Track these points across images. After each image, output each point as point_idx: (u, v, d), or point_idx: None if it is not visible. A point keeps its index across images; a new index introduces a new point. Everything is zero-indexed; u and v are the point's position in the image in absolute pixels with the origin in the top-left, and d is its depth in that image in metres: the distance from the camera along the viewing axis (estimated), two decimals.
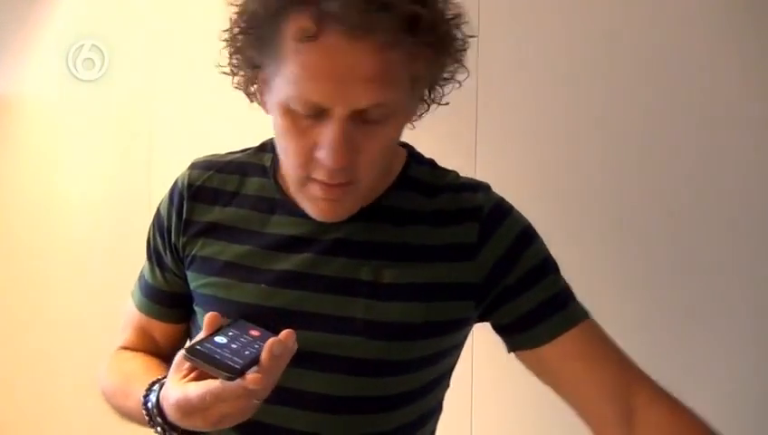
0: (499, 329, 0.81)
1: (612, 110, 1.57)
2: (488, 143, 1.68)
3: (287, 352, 0.64)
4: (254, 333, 0.69)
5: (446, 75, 0.74)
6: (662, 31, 1.52)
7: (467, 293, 0.77)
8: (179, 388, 0.64)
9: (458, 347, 0.83)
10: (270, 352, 0.62)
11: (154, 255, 0.88)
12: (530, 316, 0.77)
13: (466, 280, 0.77)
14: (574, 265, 0.89)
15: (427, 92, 0.75)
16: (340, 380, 0.74)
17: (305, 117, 0.67)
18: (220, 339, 0.66)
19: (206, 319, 0.68)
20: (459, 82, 0.76)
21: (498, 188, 0.85)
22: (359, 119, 0.67)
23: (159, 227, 0.86)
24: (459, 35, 0.71)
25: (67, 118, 2.34)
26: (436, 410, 0.85)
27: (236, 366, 0.63)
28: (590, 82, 1.59)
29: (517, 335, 0.79)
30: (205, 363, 0.64)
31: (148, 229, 0.90)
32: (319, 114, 0.67)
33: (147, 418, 0.72)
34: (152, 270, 0.88)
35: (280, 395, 0.69)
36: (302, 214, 0.77)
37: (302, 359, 0.69)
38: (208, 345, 0.65)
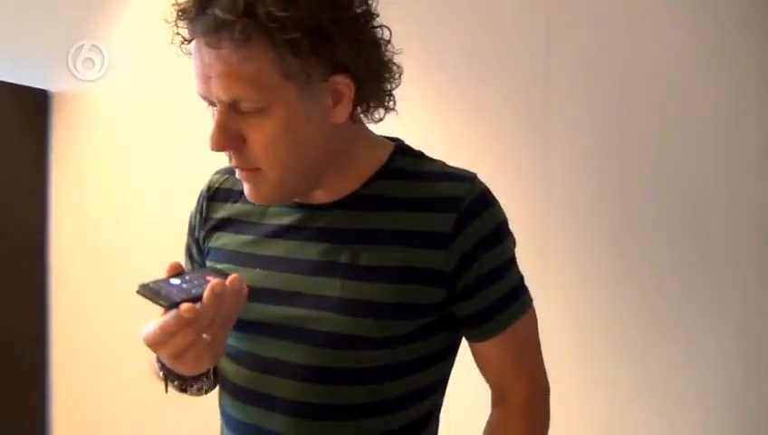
0: (456, 320, 0.87)
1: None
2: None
3: (230, 294, 0.72)
4: (209, 278, 0.75)
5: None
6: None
7: (439, 280, 0.82)
8: (147, 324, 0.73)
9: (443, 350, 0.89)
10: (211, 290, 0.70)
11: (187, 251, 1.01)
12: (484, 313, 0.86)
13: (439, 268, 0.81)
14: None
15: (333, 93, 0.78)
16: (318, 352, 0.82)
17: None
18: (175, 280, 0.75)
19: (168, 266, 0.76)
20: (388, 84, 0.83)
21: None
22: (235, 110, 0.75)
23: (189, 227, 1.00)
24: (320, 36, 0.72)
25: (147, 113, 2.40)
26: (428, 416, 0.90)
27: (175, 299, 0.71)
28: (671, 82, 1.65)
29: (471, 328, 0.88)
30: (150, 296, 0.72)
31: None
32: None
33: (156, 365, 0.85)
34: (185, 264, 1.02)
35: (268, 365, 0.83)
36: (292, 205, 0.87)
37: (286, 332, 0.82)
38: (161, 283, 0.74)
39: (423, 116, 1.93)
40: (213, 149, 0.77)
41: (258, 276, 0.85)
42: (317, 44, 0.72)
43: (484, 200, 0.84)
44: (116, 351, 2.39)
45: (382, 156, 0.87)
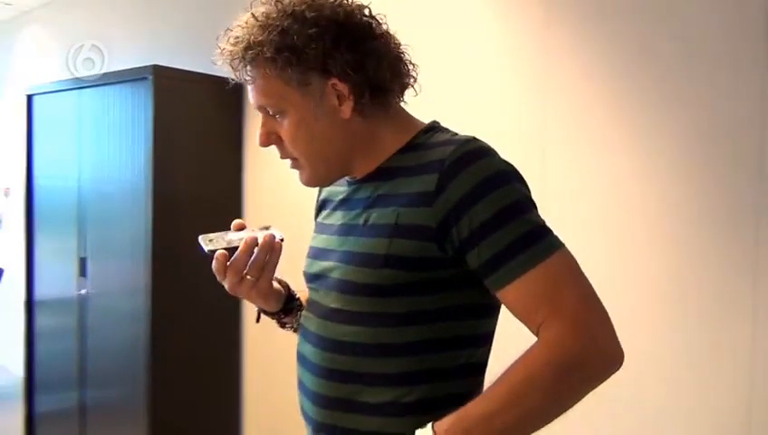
0: (473, 274, 0.92)
1: None
2: None
3: (262, 247, 0.98)
4: (250, 235, 0.99)
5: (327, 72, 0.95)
6: None
7: (427, 235, 0.91)
8: None
9: (468, 306, 0.95)
10: (245, 243, 0.98)
11: None
12: (490, 263, 0.88)
13: (426, 223, 0.91)
14: None
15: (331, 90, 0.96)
16: (332, 295, 1.00)
17: None
18: (233, 235, 1.00)
19: (233, 222, 1.03)
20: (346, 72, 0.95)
21: None
22: (270, 116, 0.99)
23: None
24: (287, 46, 0.92)
25: None
26: (461, 369, 0.96)
27: (215, 247, 0.97)
28: None
29: (484, 280, 0.90)
30: (201, 242, 0.98)
31: None
32: None
33: None
34: None
35: (311, 305, 1.05)
36: (346, 183, 1.06)
37: (321, 280, 1.03)
38: (219, 234, 1.00)
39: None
40: (260, 145, 1.01)
41: (320, 240, 1.07)
42: (291, 59, 0.92)
43: (467, 158, 0.90)
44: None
45: (407, 136, 1.01)
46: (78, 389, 3.02)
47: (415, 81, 1.03)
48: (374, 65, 0.96)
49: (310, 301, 1.07)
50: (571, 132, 1.95)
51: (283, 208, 2.74)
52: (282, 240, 1.00)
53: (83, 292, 2.97)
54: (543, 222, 0.91)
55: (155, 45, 3.55)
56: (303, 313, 1.09)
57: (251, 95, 0.99)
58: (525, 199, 0.92)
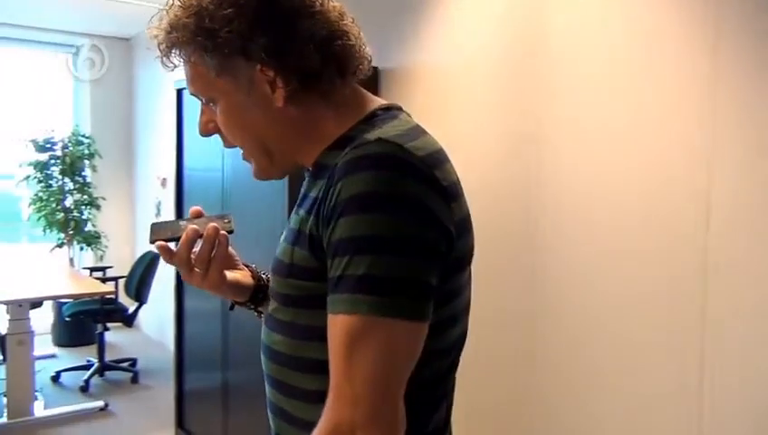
0: None
1: None
2: None
3: (206, 240, 0.93)
4: (210, 223, 0.94)
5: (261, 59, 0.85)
6: None
7: (308, 243, 0.84)
8: None
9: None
10: (186, 234, 0.92)
11: None
12: (330, 281, 0.79)
13: (311, 231, 0.83)
14: None
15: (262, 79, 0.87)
16: (269, 300, 0.96)
17: None
18: (183, 222, 0.95)
19: (191, 209, 0.98)
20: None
21: None
22: (203, 102, 0.93)
23: None
24: (205, 32, 0.84)
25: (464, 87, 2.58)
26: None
27: (157, 237, 0.94)
28: None
29: None
30: (151, 229, 0.96)
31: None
32: None
33: None
34: None
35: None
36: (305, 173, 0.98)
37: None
38: (170, 222, 0.97)
39: None
40: (200, 134, 0.96)
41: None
42: (205, 44, 0.84)
43: (351, 165, 0.78)
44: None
45: (345, 127, 0.90)
46: (222, 369, 3.16)
47: (363, 62, 0.91)
48: (298, 48, 0.85)
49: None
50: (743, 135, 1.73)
51: None
52: (230, 232, 0.95)
53: None
54: (406, 277, 0.75)
55: None
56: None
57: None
58: (393, 239, 0.75)
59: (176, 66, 0.90)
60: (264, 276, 1.10)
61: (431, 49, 2.80)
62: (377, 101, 0.94)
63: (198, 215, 0.97)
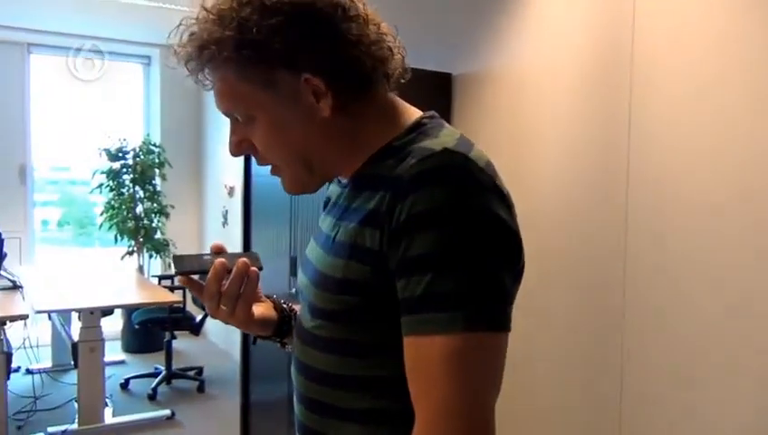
0: None
1: None
2: None
3: (235, 275, 0.90)
4: (219, 259, 0.90)
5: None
6: None
7: (369, 258, 0.79)
8: None
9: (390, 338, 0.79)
10: (213, 268, 0.89)
11: None
12: (404, 302, 0.75)
13: (371, 246, 0.79)
14: None
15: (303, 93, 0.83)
16: (308, 317, 0.90)
17: None
18: (207, 256, 0.92)
19: (212, 245, 0.95)
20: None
21: None
22: (238, 122, 0.87)
23: None
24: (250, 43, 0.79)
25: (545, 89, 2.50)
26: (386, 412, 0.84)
27: (184, 268, 0.91)
28: None
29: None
30: (173, 262, 0.92)
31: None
32: None
33: None
34: None
35: (296, 324, 0.96)
36: (338, 182, 0.97)
37: (301, 297, 0.94)
38: (193, 256, 0.93)
39: None
40: (231, 154, 0.91)
41: (309, 246, 0.97)
42: (253, 57, 0.79)
43: (422, 178, 0.74)
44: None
45: (389, 135, 0.86)
46: (288, 381, 3.08)
47: (404, 69, 0.89)
48: (347, 54, 0.82)
49: (297, 317, 0.97)
50: None
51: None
52: (260, 269, 0.92)
53: (293, 290, 3.03)
54: (498, 287, 0.74)
55: None
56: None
57: (215, 100, 0.87)
58: (475, 252, 0.73)
59: (210, 84, 0.85)
60: (286, 307, 1.08)
61: (509, 53, 2.67)
62: (414, 110, 0.91)
63: (220, 250, 0.94)
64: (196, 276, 0.92)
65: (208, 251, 0.94)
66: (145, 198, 5.58)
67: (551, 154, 2.44)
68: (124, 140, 5.50)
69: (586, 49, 2.29)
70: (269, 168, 0.92)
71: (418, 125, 0.86)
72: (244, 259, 0.90)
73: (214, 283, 0.90)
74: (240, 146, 0.89)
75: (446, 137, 0.81)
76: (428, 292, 0.73)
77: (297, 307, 1.03)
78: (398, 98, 0.91)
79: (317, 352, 0.87)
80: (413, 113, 0.89)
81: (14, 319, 3.46)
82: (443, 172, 0.74)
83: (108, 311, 4.31)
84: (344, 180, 0.92)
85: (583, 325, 2.26)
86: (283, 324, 1.06)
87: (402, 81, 0.89)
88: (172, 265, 0.97)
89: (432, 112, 0.90)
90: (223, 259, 0.90)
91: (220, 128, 5.74)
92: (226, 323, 0.96)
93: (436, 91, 2.97)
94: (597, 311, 2.23)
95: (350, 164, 0.89)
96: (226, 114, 0.88)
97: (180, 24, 0.83)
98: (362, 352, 0.83)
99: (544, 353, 2.41)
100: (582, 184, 2.31)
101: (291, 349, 1.00)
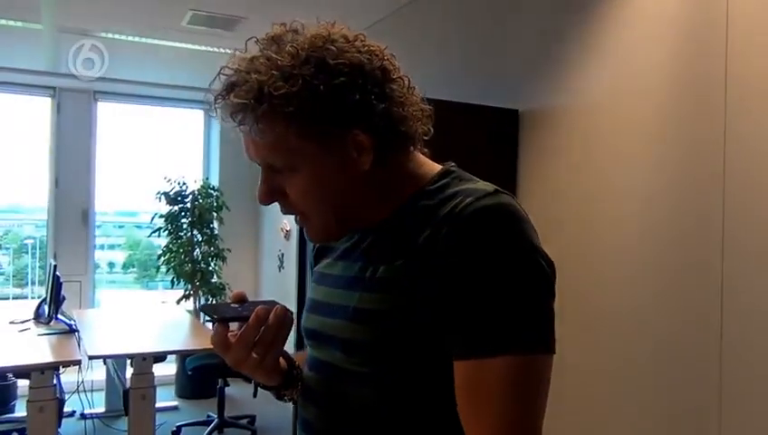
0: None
1: None
2: None
3: (273, 319, 0.88)
4: (261, 306, 0.89)
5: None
6: None
7: (423, 288, 0.83)
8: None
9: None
10: (256, 314, 0.87)
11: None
12: (459, 327, 0.80)
13: (427, 277, 0.83)
14: None
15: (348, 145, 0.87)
16: (339, 356, 0.91)
17: None
18: (235, 305, 0.92)
19: (233, 293, 0.95)
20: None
21: None
22: (274, 170, 0.89)
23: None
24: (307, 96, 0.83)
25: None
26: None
27: (224, 315, 0.90)
28: None
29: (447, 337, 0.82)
30: (208, 312, 0.92)
31: None
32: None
33: None
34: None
35: (311, 367, 0.98)
36: (352, 233, 0.98)
37: (321, 338, 0.96)
38: (221, 305, 0.95)
39: None
40: (260, 203, 0.93)
41: (320, 291, 1.00)
42: (316, 111, 0.83)
43: (484, 213, 0.81)
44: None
45: (421, 181, 0.93)
46: None
47: (432, 124, 0.94)
48: (399, 112, 0.88)
49: (312, 360, 0.99)
50: None
51: (560, 246, 2.42)
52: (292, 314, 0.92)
53: None
54: (549, 314, 0.82)
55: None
56: (305, 373, 1.00)
57: (251, 149, 0.89)
58: (537, 279, 0.81)
59: (258, 133, 0.85)
60: (291, 357, 1.07)
61: (580, 86, 2.52)
62: (431, 161, 0.97)
63: (243, 299, 0.93)
64: (234, 325, 0.90)
65: (262, 296, 0.89)
66: (202, 241, 5.58)
67: (627, 198, 2.25)
68: (183, 184, 5.55)
69: (669, 81, 2.11)
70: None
71: (448, 172, 0.93)
72: (283, 306, 0.90)
73: (254, 329, 0.88)
74: (272, 195, 0.91)
75: (483, 182, 0.89)
76: (488, 316, 0.78)
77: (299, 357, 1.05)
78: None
79: (351, 389, 0.90)
80: (433, 164, 0.96)
81: (66, 364, 3.41)
82: (500, 209, 0.82)
83: (161, 357, 4.24)
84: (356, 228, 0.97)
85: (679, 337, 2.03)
86: (292, 370, 1.03)
87: (426, 138, 0.95)
88: (205, 311, 0.94)
89: (452, 163, 0.96)
90: (265, 307, 0.89)
91: None
92: (252, 373, 0.94)
93: (502, 127, 2.83)
94: (694, 337, 2.00)
95: (379, 212, 0.93)
96: (264, 163, 0.89)
97: (222, 74, 0.85)
98: (406, 383, 0.86)
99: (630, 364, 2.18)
100: (672, 224, 2.10)
101: (291, 399, 1.02)
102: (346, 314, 0.91)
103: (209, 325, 5.02)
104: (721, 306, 1.95)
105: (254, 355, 0.89)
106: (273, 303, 0.91)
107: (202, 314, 1.03)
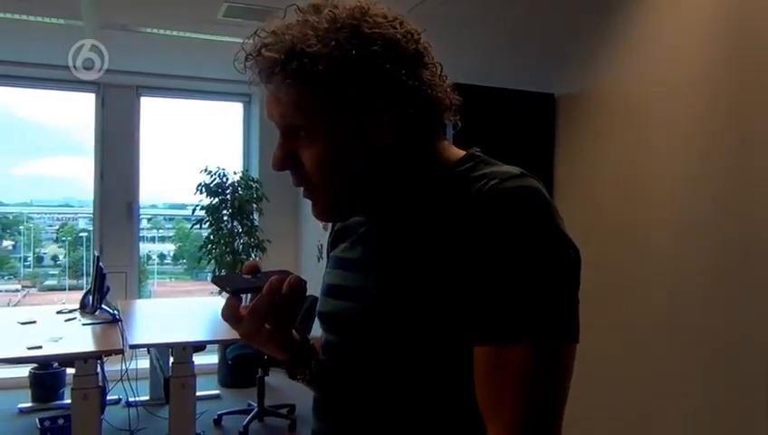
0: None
1: None
2: None
3: (286, 288, 0.85)
4: (274, 276, 0.85)
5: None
6: None
7: (449, 272, 0.81)
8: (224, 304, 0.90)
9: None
10: (269, 283, 0.85)
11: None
12: (482, 313, 0.78)
13: (452, 261, 0.81)
14: None
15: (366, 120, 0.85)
16: (362, 343, 0.90)
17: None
18: (247, 276, 0.88)
19: (245, 264, 0.91)
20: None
21: None
22: (292, 134, 0.88)
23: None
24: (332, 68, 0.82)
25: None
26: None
27: (238, 286, 0.87)
28: None
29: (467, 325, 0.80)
30: (220, 283, 0.91)
31: None
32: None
33: None
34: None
35: (330, 354, 0.97)
36: (366, 215, 0.97)
37: (340, 323, 0.96)
38: (233, 275, 0.91)
39: None
40: (274, 168, 0.90)
41: (339, 276, 0.98)
42: (345, 75, 0.81)
43: (510, 195, 0.80)
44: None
45: (444, 164, 0.91)
46: None
47: (461, 115, 0.92)
48: (428, 95, 0.87)
49: (327, 345, 0.97)
50: None
51: (594, 233, 2.41)
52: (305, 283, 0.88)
53: None
54: (573, 302, 0.80)
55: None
56: (320, 357, 0.98)
57: (274, 109, 0.86)
58: (569, 270, 0.80)
59: (284, 93, 0.84)
60: (306, 335, 1.05)
61: (619, 71, 2.44)
62: (453, 146, 0.95)
63: (256, 269, 0.90)
64: (247, 297, 0.88)
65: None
66: (243, 232, 5.63)
67: (667, 182, 2.15)
68: (223, 175, 5.60)
69: (712, 64, 2.01)
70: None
71: (472, 157, 0.91)
72: (296, 275, 0.86)
73: (267, 299, 0.85)
74: (286, 160, 0.89)
75: (508, 166, 0.86)
76: (510, 301, 0.76)
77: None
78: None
79: (377, 378, 0.88)
80: (457, 149, 0.94)
81: (108, 353, 3.49)
82: (525, 192, 0.80)
83: (200, 347, 4.30)
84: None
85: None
86: (306, 346, 0.99)
87: (453, 130, 0.94)
88: (217, 283, 0.92)
89: (477, 148, 0.94)
90: (279, 276, 0.86)
91: None
92: (263, 347, 0.91)
93: (538, 112, 2.76)
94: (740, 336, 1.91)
95: (398, 194, 0.91)
96: (285, 126, 0.87)
97: (256, 35, 0.85)
98: (424, 369, 0.84)
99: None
100: (716, 210, 2.00)
101: (303, 380, 0.98)
102: (363, 298, 0.90)
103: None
104: None
105: (267, 326, 0.87)
106: (287, 272, 0.88)
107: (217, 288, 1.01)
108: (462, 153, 0.93)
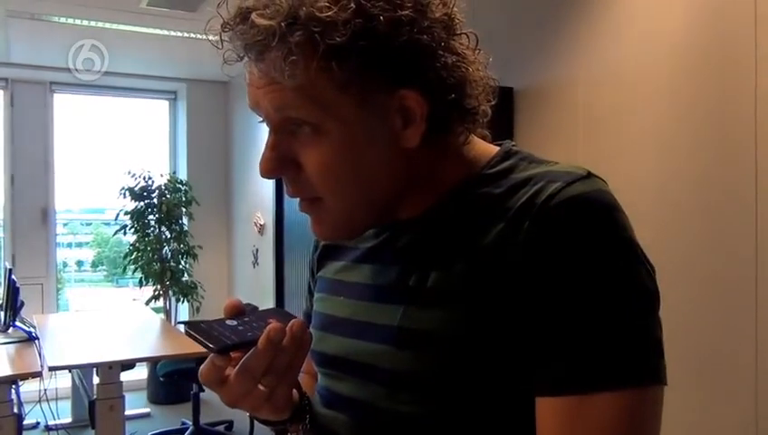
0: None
1: None
2: None
3: (289, 341, 0.66)
4: (271, 320, 0.67)
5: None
6: None
7: (496, 301, 0.66)
8: (206, 362, 0.69)
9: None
10: (267, 336, 0.64)
11: (308, 288, 0.95)
12: (547, 356, 0.63)
13: (500, 287, 0.66)
14: None
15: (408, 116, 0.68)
16: (384, 393, 0.72)
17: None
18: (231, 321, 0.68)
19: (226, 304, 0.71)
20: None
21: None
22: (287, 131, 0.69)
23: (309, 263, 0.96)
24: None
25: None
26: None
27: (226, 342, 0.65)
28: None
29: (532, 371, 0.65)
30: (199, 336, 0.65)
31: None
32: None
33: None
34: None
35: (335, 405, 0.78)
36: (377, 229, 0.79)
37: (351, 367, 0.76)
38: (214, 324, 0.67)
39: None
40: (263, 175, 0.71)
41: (340, 305, 0.80)
42: (369, 51, 0.63)
43: (579, 203, 0.64)
44: None
45: (475, 163, 0.74)
46: None
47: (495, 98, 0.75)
48: (464, 74, 0.69)
49: (331, 395, 0.79)
50: None
51: None
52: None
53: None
54: (659, 336, 0.64)
55: None
56: (320, 410, 0.79)
57: (265, 96, 0.67)
58: (650, 295, 0.65)
59: (279, 74, 0.63)
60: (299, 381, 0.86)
61: (581, 62, 2.34)
62: (481, 140, 0.78)
63: (242, 311, 0.69)
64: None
65: (237, 296, 0.68)
66: (171, 238, 5.31)
67: (637, 180, 2.08)
68: (149, 178, 5.27)
69: (684, 50, 1.93)
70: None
71: (510, 153, 0.75)
72: (300, 320, 0.68)
73: (264, 356, 0.65)
74: (281, 164, 0.70)
75: (566, 163, 0.71)
76: (589, 341, 0.63)
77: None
78: None
79: (399, 433, 0.71)
80: (487, 144, 0.78)
81: (24, 377, 3.16)
82: (598, 200, 0.65)
83: (129, 364, 3.99)
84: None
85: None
86: (302, 399, 0.79)
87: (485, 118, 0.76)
88: (195, 336, 0.66)
89: (511, 141, 0.80)
90: (277, 324, 0.66)
91: (250, 163, 5.48)
92: (252, 410, 0.72)
93: (496, 106, 2.65)
94: (727, 325, 1.85)
95: (415, 204, 0.74)
96: (281, 119, 0.68)
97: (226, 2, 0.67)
98: (470, 426, 0.68)
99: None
100: (703, 191, 1.93)
101: None
102: (387, 337, 0.72)
103: (181, 327, 4.77)
104: (755, 303, 1.78)
105: (262, 388, 0.68)
106: (284, 314, 0.70)
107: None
108: (494, 148, 0.77)
